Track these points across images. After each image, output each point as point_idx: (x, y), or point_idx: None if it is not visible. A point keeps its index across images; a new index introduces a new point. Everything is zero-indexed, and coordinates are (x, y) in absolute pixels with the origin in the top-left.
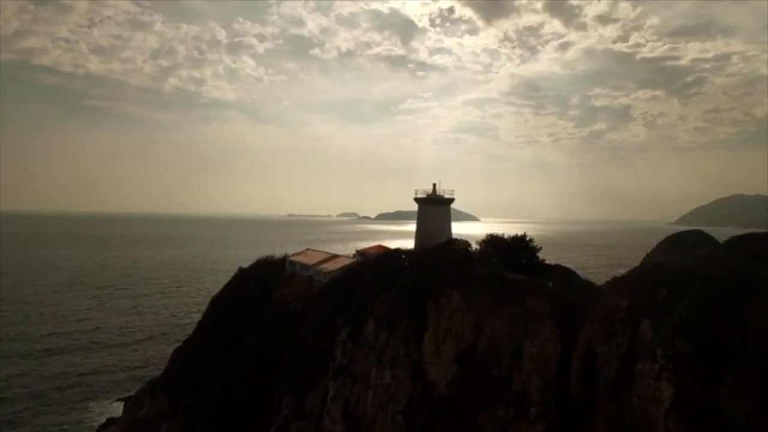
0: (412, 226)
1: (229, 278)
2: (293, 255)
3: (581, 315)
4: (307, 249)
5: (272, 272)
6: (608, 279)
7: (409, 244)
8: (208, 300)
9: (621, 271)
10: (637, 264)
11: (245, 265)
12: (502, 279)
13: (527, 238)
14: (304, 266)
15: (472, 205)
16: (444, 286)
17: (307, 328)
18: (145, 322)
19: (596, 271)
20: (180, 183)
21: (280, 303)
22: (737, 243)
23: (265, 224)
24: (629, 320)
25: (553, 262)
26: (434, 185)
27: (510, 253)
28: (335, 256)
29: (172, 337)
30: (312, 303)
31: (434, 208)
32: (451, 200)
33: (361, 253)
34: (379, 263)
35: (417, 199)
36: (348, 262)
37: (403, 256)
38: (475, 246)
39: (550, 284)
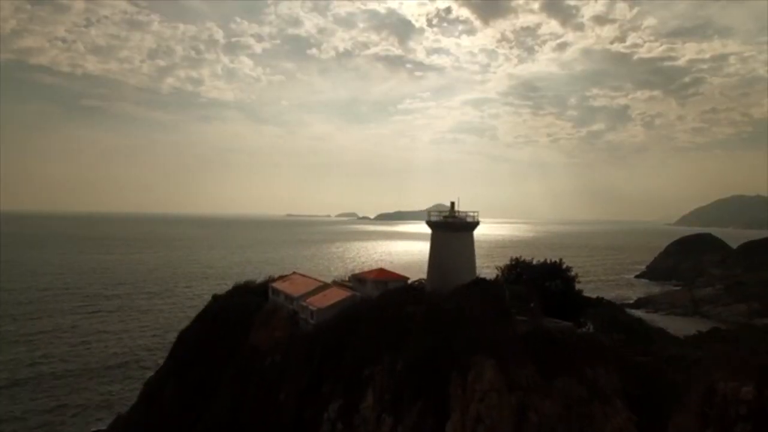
0: (411, 227)
1: (223, 285)
2: (277, 280)
3: (659, 387)
4: (294, 273)
5: (252, 303)
6: (617, 283)
7: (409, 246)
8: (196, 314)
9: (627, 276)
10: (644, 268)
11: (240, 273)
12: (550, 338)
13: (563, 266)
14: (288, 297)
15: (472, 205)
16: (472, 352)
17: (287, 393)
18: (127, 341)
19: (607, 278)
20: (179, 183)
21: (256, 351)
22: (752, 248)
23: (264, 224)
24: (763, 421)
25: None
26: (452, 204)
27: (541, 281)
28: (326, 286)
29: (150, 362)
30: (294, 356)
31: (453, 236)
32: (476, 225)
33: (357, 279)
34: (380, 306)
35: (430, 223)
36: (341, 296)
37: (412, 308)
38: (495, 271)
39: (589, 325)
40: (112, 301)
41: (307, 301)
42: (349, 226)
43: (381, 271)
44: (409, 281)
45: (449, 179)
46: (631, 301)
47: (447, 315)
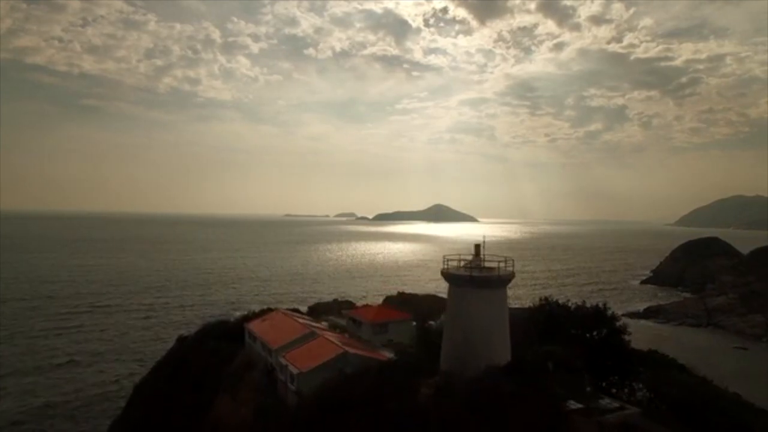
0: (410, 227)
1: (215, 294)
2: (256, 320)
3: None
4: (277, 310)
5: (222, 352)
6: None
7: (409, 248)
8: (185, 330)
9: (632, 282)
10: (649, 272)
11: (235, 277)
12: None
13: (608, 312)
14: (265, 347)
15: (470, 205)
16: None
17: None
18: (105, 367)
19: (611, 284)
20: (177, 183)
21: (220, 428)
22: (764, 254)
23: (262, 225)
24: None
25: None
26: (477, 248)
27: (582, 331)
28: (312, 334)
29: (127, 393)
30: None
31: (480, 296)
32: (510, 278)
33: (352, 319)
34: (379, 386)
35: (447, 276)
36: (329, 354)
37: (425, 392)
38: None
39: (643, 392)
40: (95, 314)
41: (288, 357)
42: (347, 227)
43: (380, 311)
44: (414, 323)
45: (447, 179)
46: (640, 311)
47: (477, 418)
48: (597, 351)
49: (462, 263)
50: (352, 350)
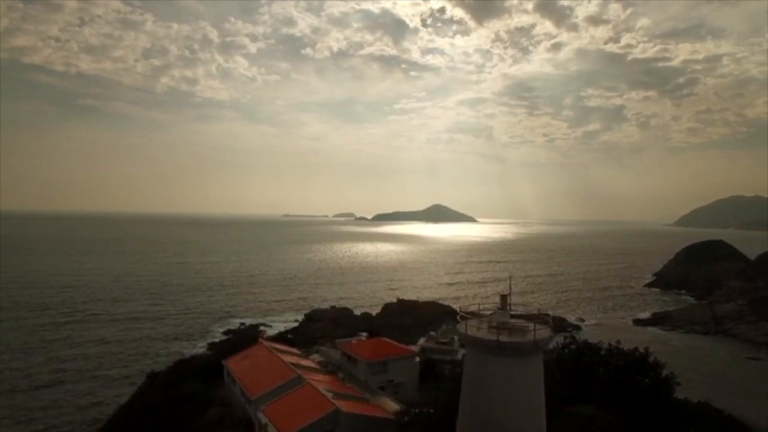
0: (409, 228)
1: (208, 304)
2: (237, 356)
3: None
4: (261, 341)
5: (197, 394)
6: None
7: (408, 249)
8: (175, 343)
9: (636, 286)
10: (653, 276)
11: (233, 282)
12: None
13: (650, 358)
14: (245, 394)
15: (469, 205)
16: None
17: None
18: (85, 387)
19: (615, 287)
20: (175, 183)
21: None
22: None
23: (261, 225)
24: None
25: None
26: (504, 299)
27: (623, 380)
28: (299, 380)
29: (102, 418)
30: None
31: (510, 365)
32: (549, 341)
33: (347, 356)
34: None
35: (467, 339)
36: (317, 413)
37: None
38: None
39: None
40: (85, 324)
41: (268, 412)
42: (346, 228)
43: (378, 345)
44: (419, 344)
45: (446, 179)
46: (648, 317)
47: None
48: (639, 407)
49: (481, 310)
50: (344, 407)
